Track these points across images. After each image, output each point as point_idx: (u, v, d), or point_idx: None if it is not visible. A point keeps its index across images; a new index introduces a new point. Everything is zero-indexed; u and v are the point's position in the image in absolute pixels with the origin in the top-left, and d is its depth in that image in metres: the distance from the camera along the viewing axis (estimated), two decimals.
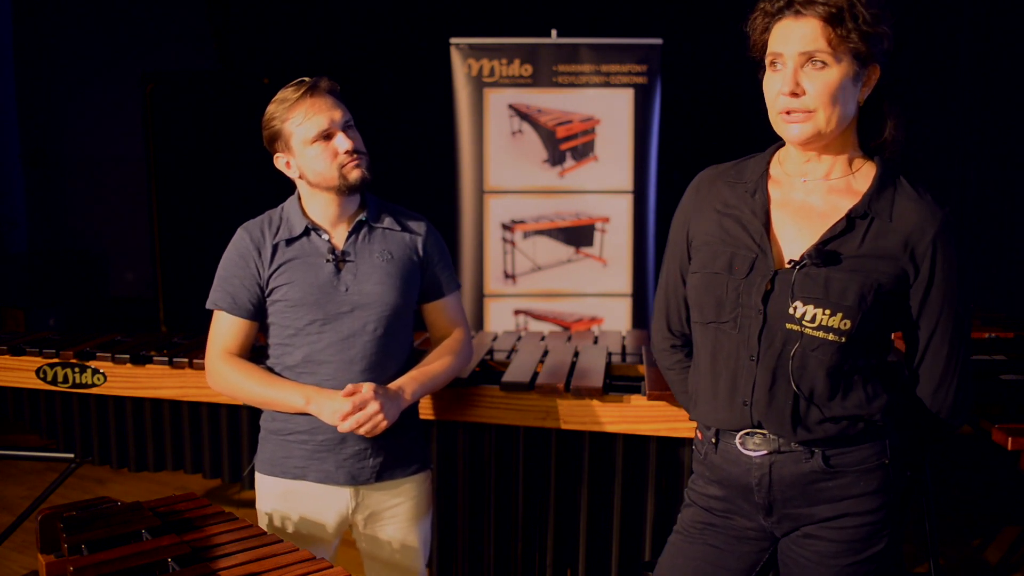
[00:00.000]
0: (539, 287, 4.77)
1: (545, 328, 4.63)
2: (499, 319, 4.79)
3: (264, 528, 2.01)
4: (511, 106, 4.67)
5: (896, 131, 1.54)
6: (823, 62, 1.45)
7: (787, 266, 1.51)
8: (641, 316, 4.76)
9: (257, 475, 2.04)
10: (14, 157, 7.03)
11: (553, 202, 4.73)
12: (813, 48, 1.45)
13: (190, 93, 6.17)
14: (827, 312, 1.47)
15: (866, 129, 1.56)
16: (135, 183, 6.82)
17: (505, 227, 4.74)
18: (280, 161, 1.99)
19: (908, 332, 1.58)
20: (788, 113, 1.48)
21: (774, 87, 1.49)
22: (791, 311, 1.49)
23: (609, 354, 2.72)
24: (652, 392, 2.19)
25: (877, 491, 1.54)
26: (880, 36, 1.46)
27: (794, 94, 1.46)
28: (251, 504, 2.10)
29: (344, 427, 1.87)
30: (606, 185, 4.70)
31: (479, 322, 4.78)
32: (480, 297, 4.78)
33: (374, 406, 1.87)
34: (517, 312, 4.80)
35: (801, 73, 1.46)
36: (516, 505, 2.34)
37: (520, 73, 4.65)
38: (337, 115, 1.93)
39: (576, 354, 2.65)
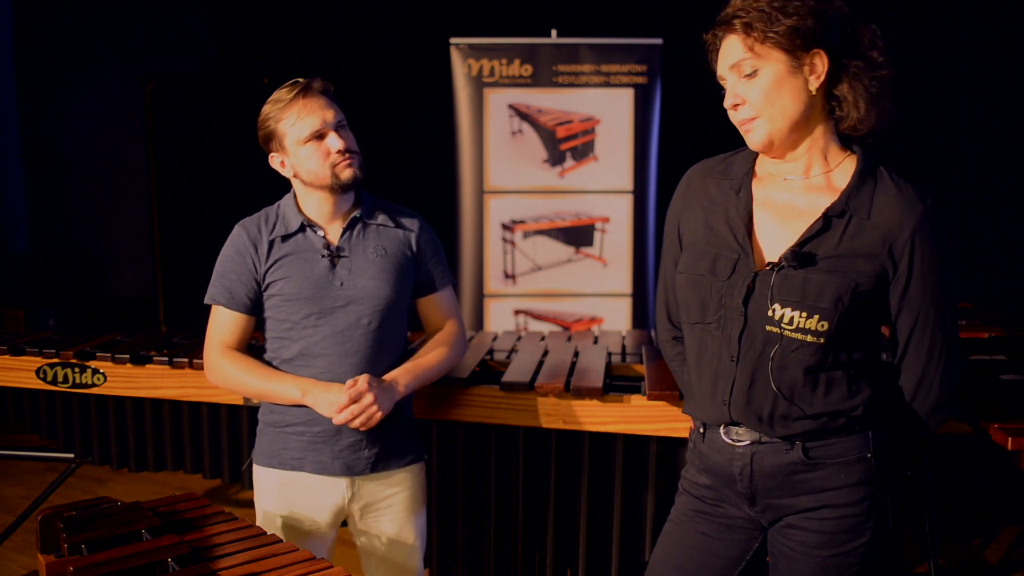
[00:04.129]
0: (539, 287, 4.77)
1: (545, 328, 4.63)
2: (499, 319, 4.79)
3: (261, 519, 2.03)
4: (511, 106, 4.67)
5: (867, 111, 1.50)
6: (753, 69, 1.49)
7: (766, 268, 1.52)
8: (641, 316, 4.76)
9: (255, 467, 2.06)
10: (14, 157, 7.03)
11: (553, 202, 4.73)
12: (737, 59, 1.50)
13: (190, 93, 6.17)
14: (804, 315, 1.48)
15: (835, 116, 1.54)
16: (135, 183, 6.83)
17: (505, 227, 4.74)
18: (275, 160, 2.02)
19: (891, 327, 1.58)
20: (742, 124, 1.53)
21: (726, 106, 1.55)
22: (770, 313, 1.50)
23: (609, 354, 2.72)
24: (652, 392, 2.19)
25: (859, 483, 1.55)
26: (801, 27, 1.45)
27: (735, 106, 1.52)
28: (251, 504, 2.10)
29: (339, 419, 1.89)
30: (606, 185, 4.70)
31: (479, 322, 4.78)
32: (480, 297, 4.78)
33: (369, 398, 1.89)
34: (517, 312, 4.80)
35: (738, 85, 1.51)
36: (516, 505, 2.34)
37: (520, 73, 4.65)
38: (330, 115, 1.95)
39: (576, 354, 2.65)
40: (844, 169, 1.55)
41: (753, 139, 1.53)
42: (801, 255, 1.49)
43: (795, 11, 1.45)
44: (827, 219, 1.50)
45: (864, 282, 1.49)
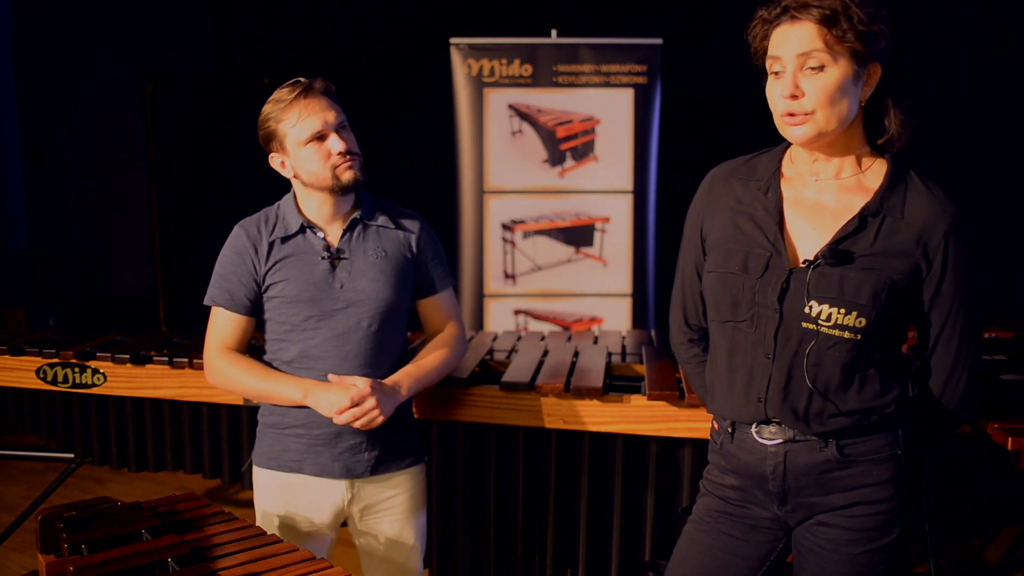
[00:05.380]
0: (539, 287, 4.77)
1: (545, 328, 4.63)
2: (499, 319, 4.79)
3: (261, 519, 2.03)
4: (511, 106, 4.67)
5: (902, 127, 1.54)
6: (821, 64, 1.46)
7: (802, 265, 1.53)
8: (641, 316, 4.76)
9: (255, 468, 2.06)
10: (14, 157, 7.03)
11: (553, 202, 4.73)
12: (810, 49, 1.46)
13: (190, 93, 6.17)
14: (842, 311, 1.49)
15: (872, 126, 1.57)
16: (135, 183, 6.83)
17: (505, 227, 4.74)
18: (275, 161, 2.01)
19: (920, 324, 1.60)
20: (790, 115, 1.50)
21: (775, 91, 1.51)
22: (807, 310, 1.51)
23: (609, 354, 2.72)
24: (652, 392, 2.19)
25: (890, 480, 1.56)
26: (877, 35, 1.47)
27: (793, 96, 1.48)
28: (251, 504, 2.10)
29: (340, 420, 1.89)
30: (606, 185, 4.70)
31: (479, 322, 4.78)
32: (480, 297, 4.78)
33: (371, 401, 1.89)
34: (517, 312, 4.80)
35: (800, 76, 1.48)
36: (516, 505, 2.34)
37: (520, 73, 4.65)
38: (331, 116, 1.94)
39: (576, 354, 2.65)
40: (875, 172, 1.57)
41: (802, 132, 1.50)
42: (839, 252, 1.51)
43: (872, 18, 1.45)
44: (863, 218, 1.52)
45: (899, 280, 1.51)
